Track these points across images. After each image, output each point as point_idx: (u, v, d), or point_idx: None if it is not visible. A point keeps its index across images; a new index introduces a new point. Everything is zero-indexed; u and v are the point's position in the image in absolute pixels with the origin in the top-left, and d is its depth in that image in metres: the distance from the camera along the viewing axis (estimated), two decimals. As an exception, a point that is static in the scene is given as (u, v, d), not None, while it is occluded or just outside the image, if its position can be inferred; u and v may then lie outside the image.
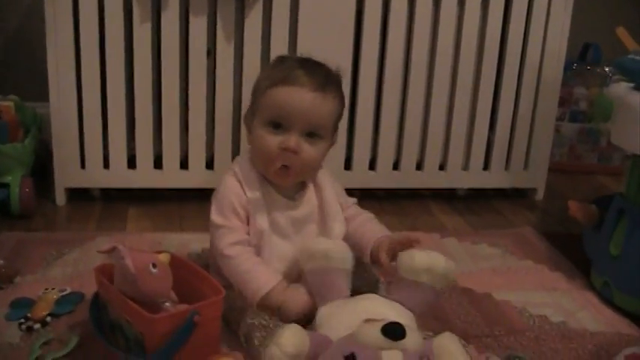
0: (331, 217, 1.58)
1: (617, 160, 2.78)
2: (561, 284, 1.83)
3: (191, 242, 1.93)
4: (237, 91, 2.17)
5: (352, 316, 1.31)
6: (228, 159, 2.21)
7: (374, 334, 1.17)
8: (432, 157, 2.35)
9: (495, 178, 2.42)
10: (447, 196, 2.45)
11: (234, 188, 1.51)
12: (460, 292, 1.74)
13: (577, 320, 1.65)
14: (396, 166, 2.35)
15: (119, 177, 2.19)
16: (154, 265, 1.32)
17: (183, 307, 1.34)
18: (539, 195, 2.48)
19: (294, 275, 1.51)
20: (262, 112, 1.48)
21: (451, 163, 2.37)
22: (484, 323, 1.60)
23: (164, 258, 1.35)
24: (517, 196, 2.49)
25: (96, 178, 2.19)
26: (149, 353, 1.28)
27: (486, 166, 2.41)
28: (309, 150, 1.49)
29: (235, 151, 2.22)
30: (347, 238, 1.56)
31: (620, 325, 1.64)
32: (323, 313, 1.37)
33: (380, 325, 1.18)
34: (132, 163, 2.20)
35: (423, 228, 2.17)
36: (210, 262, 1.62)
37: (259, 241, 1.50)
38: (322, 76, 1.50)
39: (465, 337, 1.53)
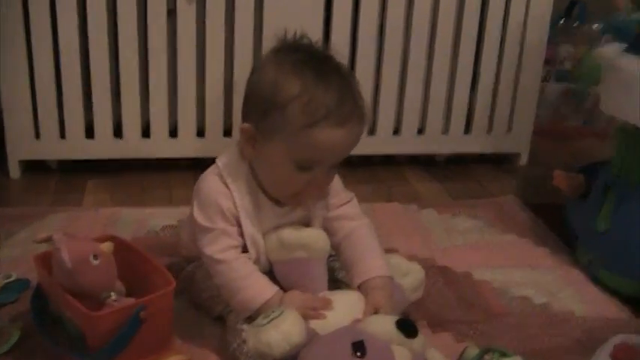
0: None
1: (603, 122, 2.66)
2: (545, 261, 1.72)
3: (150, 218, 1.83)
4: (200, 54, 2.04)
5: (340, 314, 1.24)
6: (193, 126, 2.10)
7: (387, 326, 1.11)
8: (410, 121, 2.23)
9: (477, 143, 2.30)
10: (424, 162, 2.33)
11: (220, 190, 1.32)
12: (436, 271, 1.63)
13: (560, 301, 1.55)
14: (372, 131, 2.23)
15: (76, 147, 2.07)
16: (95, 256, 1.20)
17: (130, 301, 1.23)
18: (523, 160, 2.36)
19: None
20: (292, 150, 1.24)
21: (430, 126, 2.25)
22: (460, 307, 1.49)
23: (107, 247, 1.23)
24: (499, 161, 2.37)
25: (51, 149, 2.07)
26: (91, 351, 1.18)
27: (467, 130, 2.29)
28: (332, 178, 1.34)
29: (200, 118, 2.09)
30: (335, 249, 1.41)
31: (607, 305, 1.54)
32: None
33: (394, 318, 1.13)
34: (90, 132, 2.07)
35: (397, 197, 2.06)
36: (182, 237, 1.51)
37: (253, 249, 1.35)
38: (358, 96, 1.27)
39: (440, 323, 1.43)
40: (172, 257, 1.54)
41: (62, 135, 2.05)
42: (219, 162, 1.35)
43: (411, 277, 1.39)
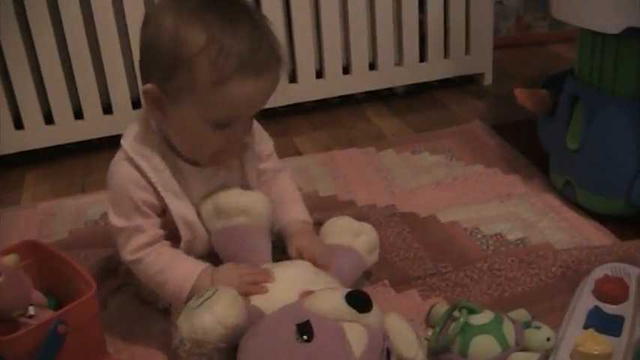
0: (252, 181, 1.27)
1: (570, 25, 2.48)
2: (517, 189, 1.58)
3: (90, 206, 1.69)
4: (121, 24, 1.90)
5: (285, 287, 1.08)
6: (126, 101, 1.97)
7: (335, 301, 0.95)
8: (360, 57, 2.09)
9: (435, 69, 2.17)
10: (384, 97, 2.19)
11: (131, 179, 1.15)
12: (399, 218, 1.49)
13: (539, 233, 1.41)
14: (320, 73, 2.09)
15: (8, 141, 1.93)
16: (-2, 273, 1.06)
17: (48, 314, 1.09)
18: (488, 79, 2.23)
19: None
20: (205, 110, 1.09)
21: (382, 59, 2.10)
22: (428, 257, 1.35)
23: (10, 261, 1.08)
24: (463, 84, 2.23)
25: (-20, 146, 1.93)
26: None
27: (423, 57, 2.14)
28: (250, 128, 1.18)
29: (134, 91, 1.94)
30: None
31: (588, 231, 1.40)
32: None
33: (343, 292, 0.97)
34: (19, 123, 1.94)
35: (358, 139, 1.92)
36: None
37: (186, 229, 1.19)
38: (271, 39, 1.11)
39: (406, 280, 1.29)
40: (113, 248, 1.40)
41: (-11, 131, 1.92)
42: (124, 143, 1.17)
43: (363, 237, 1.25)
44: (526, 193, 1.55)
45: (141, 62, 1.15)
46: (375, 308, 0.96)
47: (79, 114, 1.95)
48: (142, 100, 1.15)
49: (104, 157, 1.92)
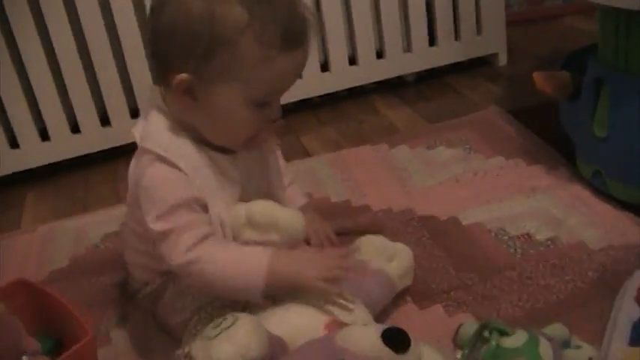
0: (274, 171, 1.21)
1: (585, -4, 2.38)
2: (542, 181, 1.47)
3: (91, 228, 1.61)
4: (112, 33, 1.80)
5: (310, 315, 1.01)
6: (124, 110, 1.88)
7: (370, 340, 0.88)
8: (366, 46, 1.98)
9: (446, 53, 2.06)
10: (394, 85, 2.09)
11: (171, 177, 1.05)
12: (417, 223, 1.39)
13: (569, 230, 1.30)
14: (325, 67, 1.98)
15: (4, 161, 1.85)
16: (-15, 324, 0.98)
17: (43, 361, 1.02)
18: (502, 60, 2.11)
19: None
20: (251, 88, 1.02)
21: (390, 47, 1.99)
22: (452, 267, 1.25)
23: (-3, 309, 1.01)
24: (477, 66, 2.12)
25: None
26: None
27: (432, 42, 2.03)
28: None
29: (131, 100, 1.87)
30: None
31: (622, 225, 1.29)
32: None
33: (378, 329, 0.90)
34: (14, 141, 1.85)
35: (369, 134, 1.83)
36: (126, 255, 1.24)
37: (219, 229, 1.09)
38: (300, 3, 1.06)
39: (430, 295, 1.19)
40: (119, 272, 1.33)
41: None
42: (151, 146, 1.06)
43: (397, 261, 1.16)
44: (552, 186, 1.44)
45: (159, 51, 1.05)
46: (413, 346, 0.88)
47: (75, 128, 1.87)
48: (169, 92, 1.06)
49: (105, 170, 1.87)
